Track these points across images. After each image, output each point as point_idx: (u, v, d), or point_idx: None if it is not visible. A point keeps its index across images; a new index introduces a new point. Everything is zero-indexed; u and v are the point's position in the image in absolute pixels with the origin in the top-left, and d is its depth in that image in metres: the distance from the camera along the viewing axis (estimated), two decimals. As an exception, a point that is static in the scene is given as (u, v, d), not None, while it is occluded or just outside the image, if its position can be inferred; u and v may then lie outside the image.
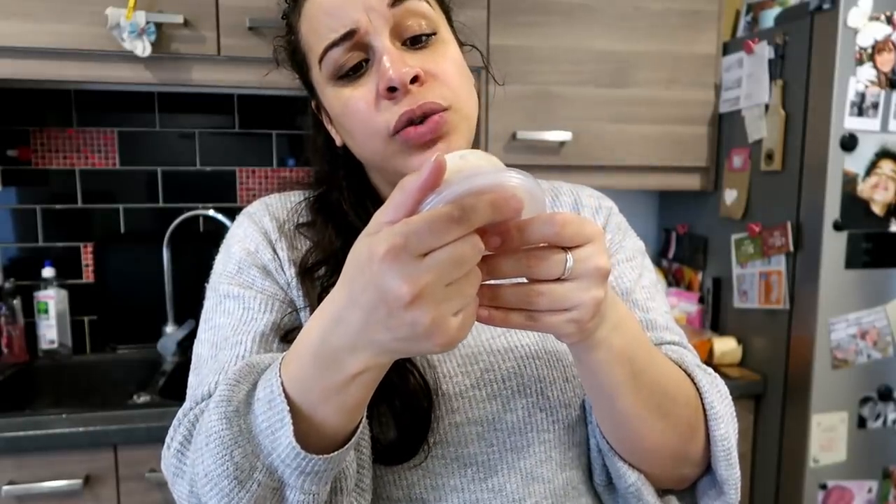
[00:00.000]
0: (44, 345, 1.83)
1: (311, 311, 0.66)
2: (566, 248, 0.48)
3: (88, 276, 1.92)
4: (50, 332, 1.82)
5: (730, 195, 1.85)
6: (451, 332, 0.43)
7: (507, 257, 0.47)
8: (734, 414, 0.67)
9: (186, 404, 0.62)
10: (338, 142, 0.72)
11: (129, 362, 1.86)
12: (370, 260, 0.42)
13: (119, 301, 1.91)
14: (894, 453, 1.65)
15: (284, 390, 0.49)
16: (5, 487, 1.32)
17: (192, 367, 0.68)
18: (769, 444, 1.72)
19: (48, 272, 1.83)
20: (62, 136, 1.87)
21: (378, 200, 0.73)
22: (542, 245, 0.48)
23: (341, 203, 0.72)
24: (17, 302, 1.79)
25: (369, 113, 0.63)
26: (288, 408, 0.49)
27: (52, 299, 1.81)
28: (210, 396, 0.60)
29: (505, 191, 0.43)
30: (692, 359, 0.70)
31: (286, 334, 0.66)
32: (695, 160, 1.90)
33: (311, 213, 0.74)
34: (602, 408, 0.64)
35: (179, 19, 1.51)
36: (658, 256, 2.26)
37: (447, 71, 0.64)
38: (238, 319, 0.67)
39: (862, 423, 1.61)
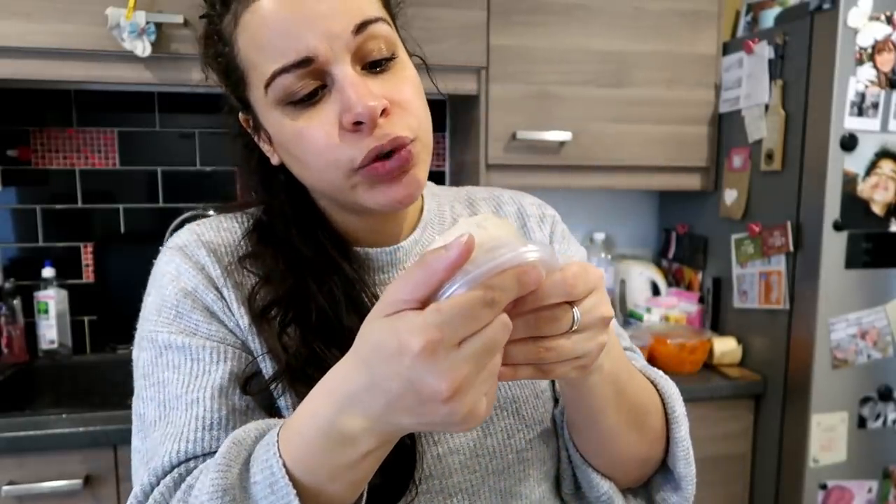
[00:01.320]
0: (44, 345, 1.83)
1: (274, 355, 0.61)
2: (572, 302, 0.47)
3: (88, 276, 1.92)
4: (50, 332, 1.82)
5: (730, 195, 1.85)
6: (481, 415, 0.42)
7: (517, 321, 0.45)
8: (685, 411, 0.69)
9: (145, 478, 0.55)
10: (274, 161, 0.66)
11: (129, 362, 1.83)
12: (401, 353, 0.40)
13: (119, 301, 1.91)
14: (894, 453, 1.65)
15: (287, 471, 0.46)
16: (5, 487, 1.32)
17: (136, 428, 0.62)
18: (769, 444, 1.72)
19: (48, 272, 1.82)
20: (62, 136, 1.87)
21: (327, 228, 0.68)
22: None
23: (288, 233, 0.66)
24: (17, 302, 1.79)
25: (330, 146, 0.58)
26: (295, 491, 0.46)
27: (52, 299, 1.81)
28: (172, 469, 0.55)
29: (527, 265, 0.43)
30: (646, 364, 0.72)
31: (245, 383, 0.61)
32: (695, 160, 1.90)
33: (254, 243, 0.66)
34: (585, 426, 0.65)
35: (179, 19, 1.51)
36: (658, 256, 2.26)
37: (410, 99, 0.60)
38: (188, 374, 0.60)
39: (862, 423, 1.61)
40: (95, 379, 1.82)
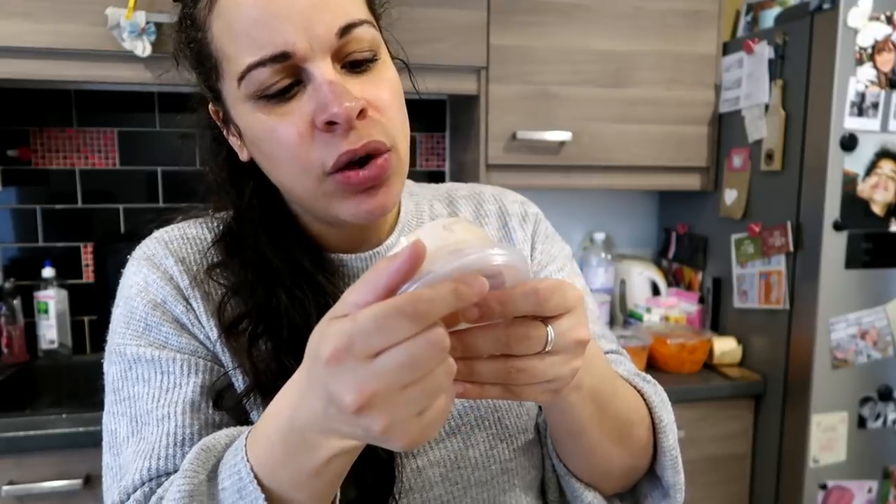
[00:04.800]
0: (44, 345, 1.83)
1: (244, 370, 0.59)
2: (545, 319, 0.45)
3: (88, 276, 1.92)
4: (50, 332, 1.82)
5: (730, 195, 1.85)
6: (411, 434, 0.39)
7: (485, 334, 0.43)
8: (673, 418, 0.67)
9: (116, 496, 0.55)
10: (243, 157, 0.63)
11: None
12: (316, 359, 0.39)
13: (119, 301, 1.91)
14: (894, 453, 1.65)
15: (255, 475, 0.45)
16: (5, 487, 1.32)
17: (107, 445, 0.60)
18: (769, 444, 1.72)
19: (48, 272, 1.82)
20: (62, 136, 1.87)
21: (299, 233, 0.65)
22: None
23: (257, 239, 0.62)
24: (17, 302, 1.79)
25: (302, 146, 0.55)
26: (263, 495, 0.45)
27: (52, 299, 1.81)
28: (143, 484, 0.54)
29: (481, 270, 0.40)
30: (632, 368, 0.71)
31: (218, 397, 0.59)
32: (695, 160, 1.90)
33: (222, 252, 0.63)
34: (567, 442, 0.63)
35: (179, 19, 1.51)
36: (658, 256, 2.26)
37: (389, 104, 0.58)
38: (158, 388, 0.58)
39: (862, 423, 1.61)
40: (95, 379, 1.80)
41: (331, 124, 0.54)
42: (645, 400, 0.65)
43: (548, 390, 0.47)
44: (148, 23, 1.48)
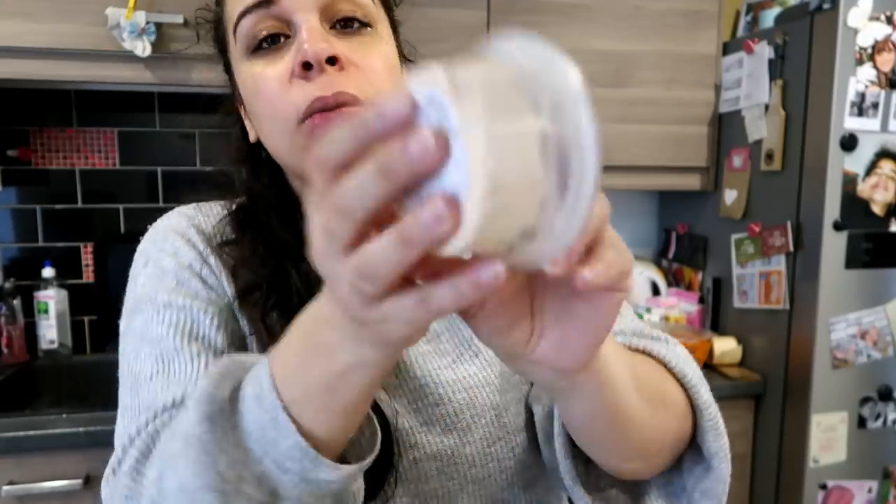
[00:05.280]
0: (44, 345, 1.83)
1: (258, 337, 0.60)
2: None
3: (88, 276, 1.92)
4: (50, 332, 1.82)
5: (730, 195, 1.85)
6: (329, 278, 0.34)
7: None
8: (701, 374, 0.60)
9: (132, 427, 0.53)
10: (251, 136, 0.65)
11: (129, 362, 1.85)
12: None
13: (119, 301, 1.90)
14: (894, 453, 1.65)
15: (276, 387, 0.41)
16: (5, 487, 1.32)
17: (125, 387, 0.59)
18: (769, 444, 1.72)
19: (48, 272, 1.82)
20: (62, 136, 1.87)
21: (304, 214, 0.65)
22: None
23: (269, 218, 0.64)
24: (17, 302, 1.79)
25: (280, 91, 0.56)
26: (282, 404, 0.40)
27: (52, 299, 1.81)
28: (173, 407, 0.53)
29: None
30: (638, 326, 0.65)
31: None
32: (695, 160, 1.90)
33: (236, 228, 0.65)
34: (614, 428, 0.51)
35: (179, 19, 1.51)
36: (658, 256, 2.26)
37: (374, 66, 0.57)
38: (188, 333, 0.58)
39: (862, 423, 1.61)
40: (95, 379, 1.81)
41: (305, 68, 0.54)
42: (654, 357, 0.58)
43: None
44: (148, 23, 1.48)
